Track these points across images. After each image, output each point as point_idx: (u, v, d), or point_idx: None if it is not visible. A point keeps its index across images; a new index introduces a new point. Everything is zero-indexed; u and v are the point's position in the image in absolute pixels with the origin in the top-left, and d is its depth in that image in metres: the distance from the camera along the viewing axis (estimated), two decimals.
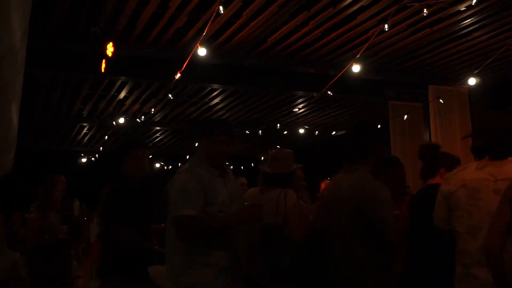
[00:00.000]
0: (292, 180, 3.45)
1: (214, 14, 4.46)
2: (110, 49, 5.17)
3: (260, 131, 10.02)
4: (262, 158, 3.72)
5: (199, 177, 2.79)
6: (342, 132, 10.36)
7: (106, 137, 10.19)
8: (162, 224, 3.40)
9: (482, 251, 2.22)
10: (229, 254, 2.82)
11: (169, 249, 2.87)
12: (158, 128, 9.98)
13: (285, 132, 10.15)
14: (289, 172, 3.42)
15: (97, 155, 11.48)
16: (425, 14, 4.86)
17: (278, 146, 11.35)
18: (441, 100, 7.07)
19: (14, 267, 4.60)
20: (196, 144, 3.04)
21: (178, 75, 5.59)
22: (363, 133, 2.94)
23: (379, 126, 7.74)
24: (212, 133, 2.88)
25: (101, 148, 11.16)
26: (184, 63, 5.35)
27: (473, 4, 4.96)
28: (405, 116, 7.58)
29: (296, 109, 8.89)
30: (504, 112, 2.59)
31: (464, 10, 5.25)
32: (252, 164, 11.14)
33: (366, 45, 5.33)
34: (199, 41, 4.88)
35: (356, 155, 2.85)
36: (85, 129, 9.82)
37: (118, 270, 3.28)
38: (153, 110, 8.40)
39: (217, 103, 8.28)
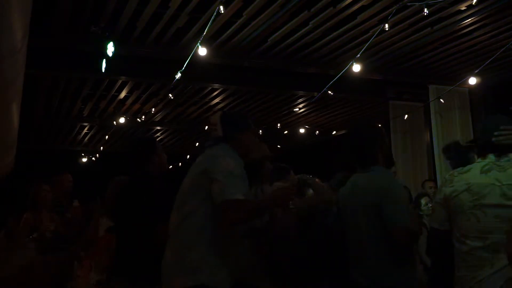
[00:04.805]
0: (261, 172, 3.40)
1: (215, 14, 4.47)
2: (110, 49, 5.18)
3: (260, 131, 10.01)
4: None
5: (242, 164, 2.81)
6: (343, 132, 10.36)
7: (107, 137, 10.19)
8: None
9: (491, 254, 2.27)
10: (245, 253, 2.81)
11: (185, 243, 2.72)
12: (158, 128, 9.97)
13: (286, 132, 10.14)
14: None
15: (97, 154, 11.48)
16: (425, 14, 4.86)
17: (278, 146, 11.40)
18: (441, 100, 7.08)
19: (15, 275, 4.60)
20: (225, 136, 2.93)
21: (179, 74, 5.60)
22: (359, 136, 2.98)
23: (379, 125, 7.77)
24: (252, 125, 2.94)
25: (101, 148, 11.16)
26: (184, 63, 5.36)
27: (473, 3, 4.97)
28: (406, 116, 7.59)
29: (297, 109, 8.88)
30: (499, 116, 2.59)
31: (465, 9, 5.26)
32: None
33: (367, 44, 5.33)
34: (199, 41, 4.89)
35: (363, 156, 2.89)
36: (86, 128, 9.82)
37: (132, 267, 3.28)
38: (153, 110, 8.40)
39: (217, 103, 8.28)
